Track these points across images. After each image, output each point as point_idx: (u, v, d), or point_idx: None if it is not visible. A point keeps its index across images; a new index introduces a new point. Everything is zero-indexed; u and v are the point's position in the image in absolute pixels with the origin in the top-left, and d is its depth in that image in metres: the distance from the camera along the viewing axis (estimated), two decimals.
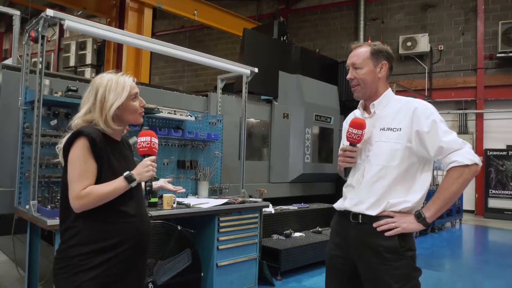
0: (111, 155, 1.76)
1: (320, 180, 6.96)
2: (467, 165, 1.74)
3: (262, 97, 6.23)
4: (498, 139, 10.95)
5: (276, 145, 6.12)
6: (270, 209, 5.09)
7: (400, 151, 1.84)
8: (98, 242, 1.67)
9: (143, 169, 1.74)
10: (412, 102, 1.90)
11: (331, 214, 6.47)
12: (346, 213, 1.94)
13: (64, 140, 1.75)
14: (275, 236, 5.00)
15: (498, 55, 10.74)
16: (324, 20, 13.45)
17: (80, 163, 1.67)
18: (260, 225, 4.17)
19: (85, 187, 1.65)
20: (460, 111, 11.33)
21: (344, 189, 2.03)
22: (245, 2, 14.35)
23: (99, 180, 1.70)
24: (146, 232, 1.84)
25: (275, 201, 5.58)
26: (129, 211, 1.76)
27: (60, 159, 1.77)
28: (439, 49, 11.61)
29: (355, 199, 1.91)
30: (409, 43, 11.59)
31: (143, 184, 1.86)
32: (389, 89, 1.99)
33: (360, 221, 1.87)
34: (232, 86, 6.17)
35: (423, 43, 11.44)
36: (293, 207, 5.68)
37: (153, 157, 1.78)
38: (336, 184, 7.35)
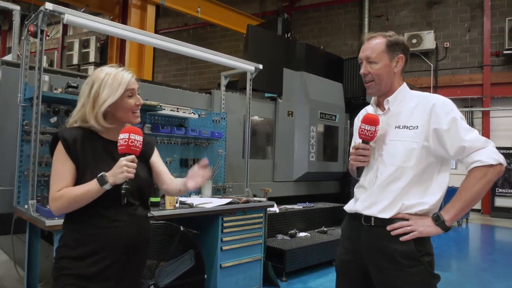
0: (95, 155, 1.67)
1: (325, 178, 6.87)
2: (491, 165, 1.62)
3: (266, 94, 6.14)
4: (505, 137, 10.82)
5: (280, 143, 6.03)
6: (275, 208, 5.01)
7: (416, 151, 1.71)
8: (80, 245, 1.60)
9: (117, 170, 1.56)
10: (429, 97, 1.77)
11: (336, 214, 6.32)
12: (357, 216, 1.83)
13: None
14: (280, 236, 4.91)
15: (505, 52, 10.63)
16: (328, 17, 13.35)
17: (56, 165, 1.65)
18: (265, 225, 4.09)
19: (61, 189, 1.60)
20: (466, 109, 11.19)
21: (355, 190, 1.91)
22: None
23: (79, 181, 1.63)
24: (136, 238, 1.68)
25: (279, 200, 5.50)
26: (113, 216, 1.63)
27: None
28: (445, 46, 11.48)
29: (367, 201, 1.80)
30: (414, 40, 11.46)
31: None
32: (404, 83, 1.86)
33: (373, 224, 1.76)
34: (236, 84, 6.08)
35: (428, 40, 11.31)
36: (298, 207, 5.60)
37: (130, 157, 1.59)
38: (341, 183, 7.26)
